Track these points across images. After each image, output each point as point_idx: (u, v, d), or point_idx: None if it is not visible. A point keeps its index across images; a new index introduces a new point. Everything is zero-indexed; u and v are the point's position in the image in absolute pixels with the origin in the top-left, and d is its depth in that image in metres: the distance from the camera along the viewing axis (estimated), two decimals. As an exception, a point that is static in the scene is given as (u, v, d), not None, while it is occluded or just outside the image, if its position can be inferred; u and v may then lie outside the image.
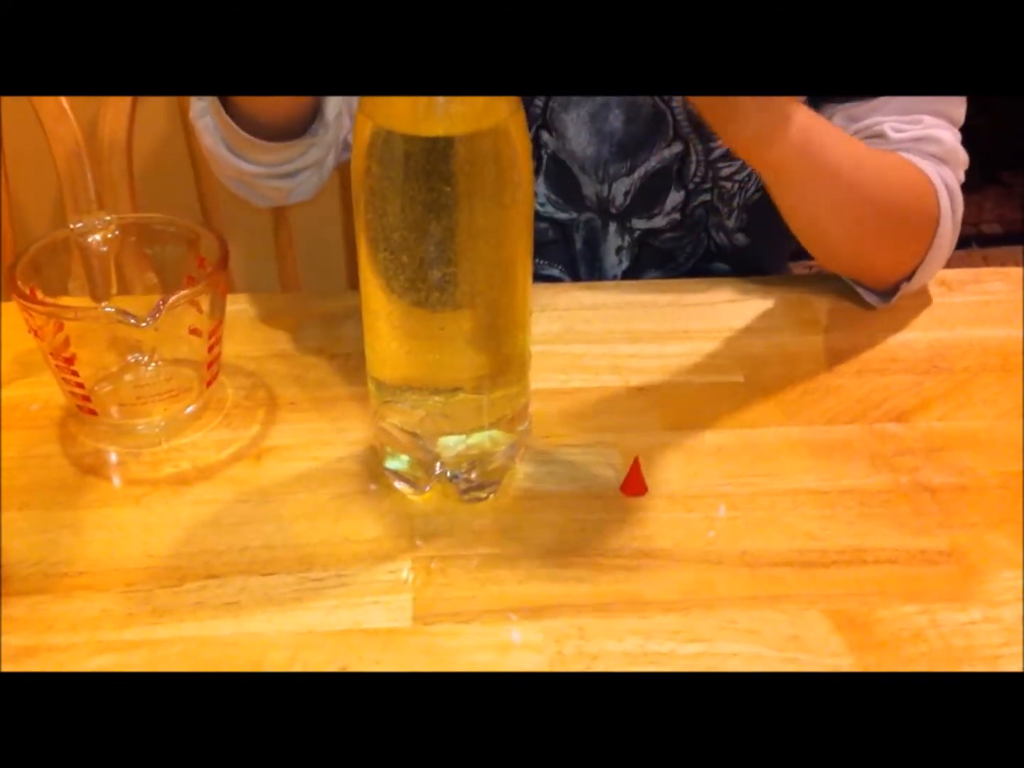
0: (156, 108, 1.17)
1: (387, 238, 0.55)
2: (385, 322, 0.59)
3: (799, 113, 0.66)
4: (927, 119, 0.77)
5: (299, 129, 0.73)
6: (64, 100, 0.99)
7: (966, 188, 0.78)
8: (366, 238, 0.56)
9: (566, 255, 0.87)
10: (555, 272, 0.88)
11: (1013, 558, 0.59)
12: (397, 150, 0.53)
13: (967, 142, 0.80)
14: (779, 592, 0.57)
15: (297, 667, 0.53)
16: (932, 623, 0.55)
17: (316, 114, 0.73)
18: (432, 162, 0.52)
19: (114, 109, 0.99)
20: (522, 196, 0.56)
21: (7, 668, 0.54)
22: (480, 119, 0.53)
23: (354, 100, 0.79)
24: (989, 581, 0.57)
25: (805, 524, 0.61)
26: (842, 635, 0.55)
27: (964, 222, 0.79)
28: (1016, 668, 0.53)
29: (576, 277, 0.88)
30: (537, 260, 0.87)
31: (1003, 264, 1.92)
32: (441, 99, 0.52)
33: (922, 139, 0.77)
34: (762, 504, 0.62)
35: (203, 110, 0.75)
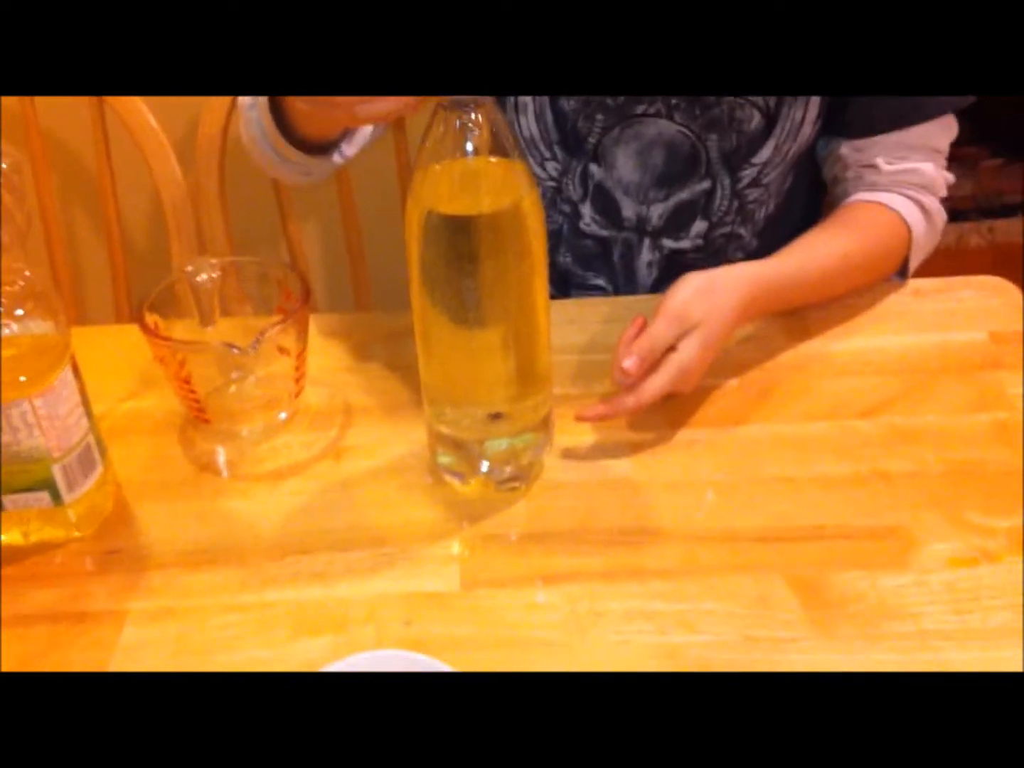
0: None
1: (436, 284, 0.71)
2: (435, 347, 0.74)
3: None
4: (913, 155, 0.94)
5: (331, 144, 0.91)
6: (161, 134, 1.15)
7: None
8: (419, 282, 0.71)
9: (607, 267, 1.02)
10: (600, 282, 1.04)
11: (944, 533, 0.72)
12: (439, 224, 0.68)
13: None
14: (751, 562, 0.71)
15: (372, 623, 0.69)
16: (872, 587, 0.69)
17: (346, 136, 0.91)
18: (466, 231, 0.68)
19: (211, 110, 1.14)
20: (535, 251, 0.70)
21: (144, 627, 0.70)
22: (501, 200, 0.67)
23: None
24: (921, 552, 0.71)
25: (777, 506, 0.75)
26: (799, 597, 0.69)
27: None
28: (934, 625, 0.67)
29: (616, 286, 1.03)
30: (585, 272, 1.04)
31: (1009, 234, 2.01)
32: (471, 186, 0.67)
33: (907, 171, 0.94)
34: (742, 490, 0.77)
35: (252, 104, 0.91)
